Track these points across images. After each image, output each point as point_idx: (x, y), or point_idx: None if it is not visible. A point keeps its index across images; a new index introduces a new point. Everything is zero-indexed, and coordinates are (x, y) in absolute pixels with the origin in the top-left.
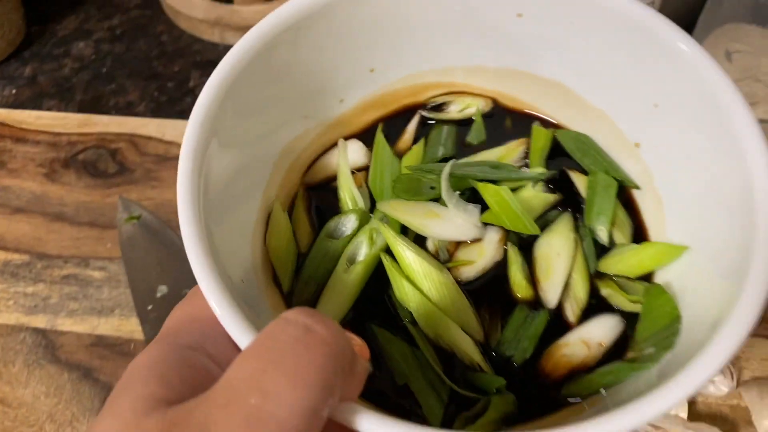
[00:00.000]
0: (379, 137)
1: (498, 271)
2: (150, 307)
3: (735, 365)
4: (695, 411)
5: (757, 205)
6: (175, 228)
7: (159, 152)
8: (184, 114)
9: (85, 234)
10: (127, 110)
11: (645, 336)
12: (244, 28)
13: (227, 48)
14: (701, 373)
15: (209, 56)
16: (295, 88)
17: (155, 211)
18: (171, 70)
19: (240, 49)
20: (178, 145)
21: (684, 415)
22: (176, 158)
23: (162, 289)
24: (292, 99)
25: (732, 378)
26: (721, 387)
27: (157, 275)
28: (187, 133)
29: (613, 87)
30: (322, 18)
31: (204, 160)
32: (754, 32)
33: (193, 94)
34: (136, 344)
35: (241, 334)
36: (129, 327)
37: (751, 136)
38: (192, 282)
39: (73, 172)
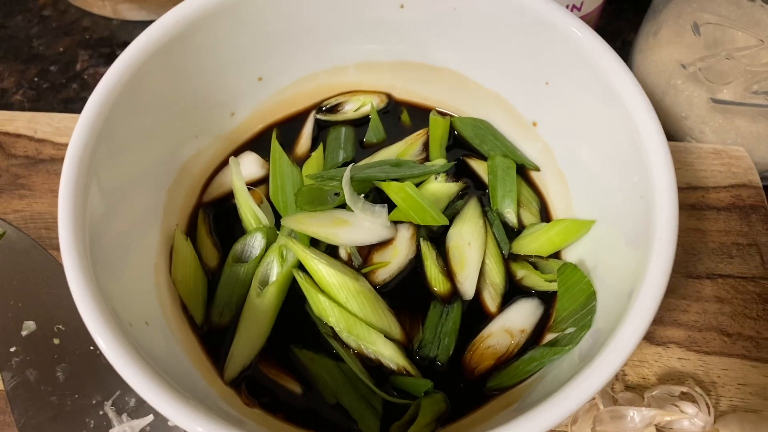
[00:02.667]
0: (275, 146)
1: (413, 269)
2: (13, 349)
3: (711, 395)
4: None
5: (652, 170)
6: (48, 247)
7: (29, 153)
8: (69, 104)
9: None
10: (0, 100)
11: (564, 315)
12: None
13: (123, 24)
14: (618, 353)
15: (101, 33)
16: (181, 109)
17: (23, 227)
18: (54, 51)
19: (108, 83)
20: (54, 144)
21: None
22: (51, 161)
23: (29, 326)
24: (180, 120)
25: (708, 411)
26: (697, 422)
27: (23, 308)
28: (63, 181)
29: (505, 69)
30: (195, 34)
31: (86, 206)
32: (726, 2)
33: (81, 78)
34: None
35: (130, 374)
36: None
37: (639, 105)
38: (68, 316)
39: None
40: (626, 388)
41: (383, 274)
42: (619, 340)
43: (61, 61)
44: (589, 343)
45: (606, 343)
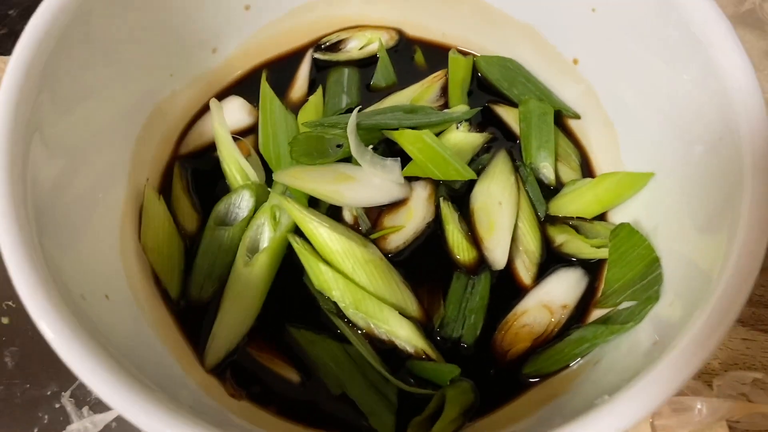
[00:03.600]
0: (265, 88)
1: (432, 234)
2: None
3: None
4: None
5: (737, 113)
6: None
7: None
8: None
9: None
10: None
11: (617, 287)
12: None
13: None
14: (708, 338)
15: None
16: (150, 44)
17: None
18: None
19: (44, 15)
20: None
21: None
22: None
23: None
24: (148, 59)
25: None
26: None
27: None
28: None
29: None
30: None
31: (26, 166)
32: None
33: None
34: None
35: (79, 363)
36: None
37: (715, 29)
38: (14, 291)
39: None
40: None
41: (396, 241)
42: (707, 322)
43: (20, 5)
44: (654, 322)
45: (689, 326)
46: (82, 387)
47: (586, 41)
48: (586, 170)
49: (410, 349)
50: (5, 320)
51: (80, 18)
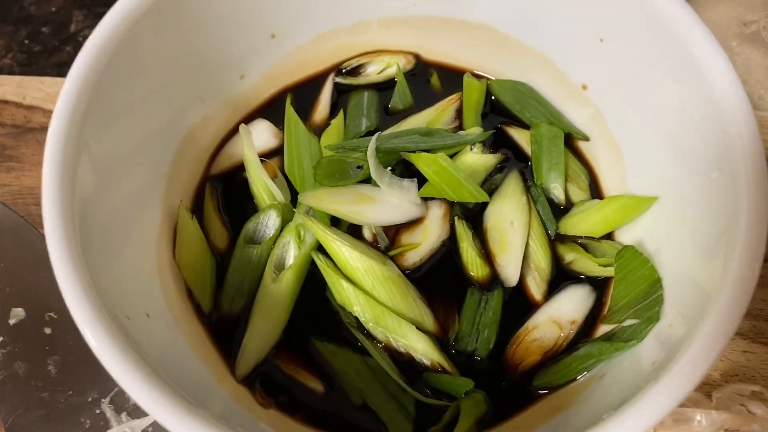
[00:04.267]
0: (290, 112)
1: (446, 252)
2: (0, 339)
3: None
4: None
5: (734, 142)
6: (39, 225)
7: (17, 122)
8: (63, 68)
9: None
10: None
11: (621, 305)
12: None
13: None
14: (707, 354)
15: None
16: (184, 71)
17: (10, 203)
18: (46, 11)
19: (97, 41)
20: (45, 112)
21: None
22: (41, 129)
23: (17, 314)
24: (182, 83)
25: None
26: None
27: (11, 293)
28: (49, 152)
29: (552, 24)
30: None
31: (75, 181)
32: None
33: (76, 41)
34: None
35: (119, 371)
36: None
37: (715, 62)
38: (61, 303)
39: None
40: None
41: (413, 258)
42: (706, 339)
43: (53, 22)
44: (655, 339)
45: (688, 343)
46: (120, 394)
47: (594, 68)
48: (595, 190)
49: (427, 362)
50: (48, 330)
51: (128, 43)
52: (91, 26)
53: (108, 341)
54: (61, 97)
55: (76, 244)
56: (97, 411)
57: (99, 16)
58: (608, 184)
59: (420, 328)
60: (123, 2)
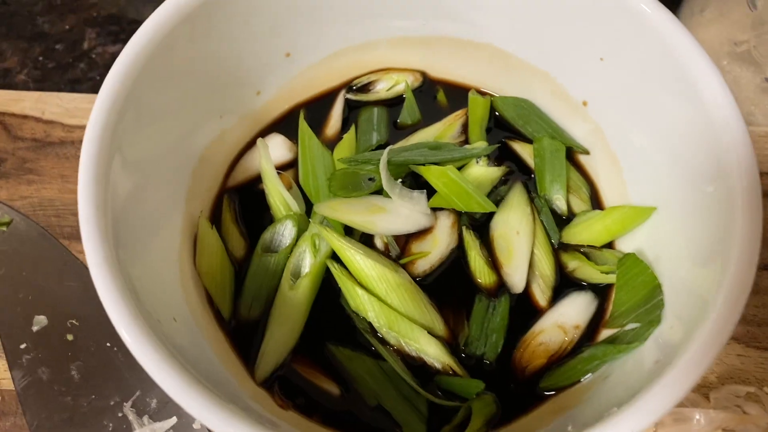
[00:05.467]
0: (303, 127)
1: (455, 260)
2: (24, 346)
3: None
4: None
5: (728, 157)
6: (59, 236)
7: (37, 136)
8: (76, 84)
9: None
10: (3, 80)
11: (623, 310)
12: None
13: (131, 1)
14: (705, 354)
15: (109, 10)
16: (206, 85)
17: (31, 215)
18: (60, 28)
19: (134, 48)
20: (63, 126)
21: None
22: (60, 143)
23: (40, 321)
24: (204, 98)
25: None
26: None
27: (33, 302)
28: (84, 155)
29: (554, 43)
30: (222, 4)
31: (108, 184)
32: None
33: (89, 57)
34: (5, 395)
35: (168, 380)
36: None
37: (710, 81)
38: (82, 310)
39: None
40: None
41: (423, 266)
42: (703, 342)
43: (67, 40)
44: (657, 342)
45: (687, 345)
46: (142, 397)
47: (594, 86)
48: (595, 201)
49: (438, 365)
50: (70, 337)
51: (163, 51)
52: (104, 44)
53: (143, 339)
54: (99, 99)
55: (111, 245)
56: (120, 414)
57: (111, 34)
58: (608, 195)
59: (431, 333)
60: (160, 11)
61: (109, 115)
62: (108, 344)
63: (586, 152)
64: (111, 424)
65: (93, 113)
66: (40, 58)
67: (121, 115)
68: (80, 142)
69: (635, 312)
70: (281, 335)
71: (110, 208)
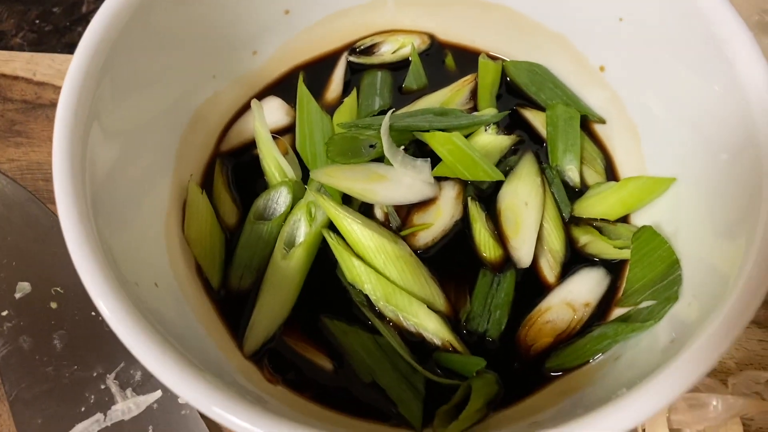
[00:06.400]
0: (302, 90)
1: (459, 232)
2: (5, 313)
3: None
4: None
5: (759, 127)
6: (47, 201)
7: (27, 97)
8: (73, 48)
9: None
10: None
11: (637, 287)
12: None
13: None
14: (725, 335)
15: None
16: (196, 46)
17: (18, 178)
18: None
19: (107, 13)
20: (55, 88)
21: None
22: (51, 106)
23: (23, 287)
24: (194, 59)
25: None
26: None
27: (17, 268)
28: (58, 122)
29: (571, 5)
30: None
31: (85, 151)
32: None
33: (87, 21)
34: None
35: (132, 340)
36: None
37: (741, 43)
38: (68, 278)
39: None
40: None
41: (424, 238)
42: (723, 323)
43: (65, 3)
44: (673, 320)
45: (705, 325)
46: (125, 370)
47: (612, 49)
48: (610, 173)
49: (437, 342)
50: (54, 305)
51: (142, 13)
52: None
53: (119, 308)
54: (74, 62)
55: (86, 211)
56: (102, 386)
57: None
58: (624, 167)
59: (431, 308)
60: None
61: (85, 79)
62: (93, 313)
63: (602, 121)
64: (93, 396)
65: (67, 77)
66: (37, 21)
67: (99, 79)
68: None
69: (651, 289)
70: (272, 306)
71: (88, 172)
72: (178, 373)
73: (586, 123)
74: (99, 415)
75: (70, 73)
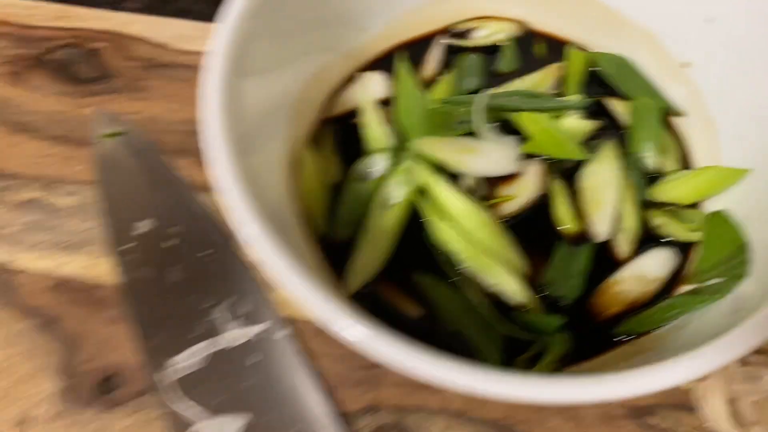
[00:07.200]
0: (402, 66)
1: (541, 206)
2: (126, 246)
3: None
4: None
5: None
6: (165, 151)
7: (148, 56)
8: (183, 14)
9: (54, 151)
10: (113, 4)
11: (707, 266)
12: None
13: None
14: None
15: None
16: (319, 16)
17: (141, 128)
18: None
19: None
20: (172, 50)
21: None
22: (169, 66)
23: (144, 225)
24: (316, 28)
25: None
26: None
27: (139, 207)
28: (214, 65)
29: (661, 1)
30: None
31: (236, 80)
32: None
33: None
34: (107, 290)
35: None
36: (99, 269)
37: None
38: (181, 219)
39: (43, 74)
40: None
41: (508, 208)
42: None
43: None
44: (736, 299)
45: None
46: (237, 302)
47: (699, 48)
48: (686, 162)
49: (518, 301)
50: (171, 243)
51: None
52: None
53: (263, 232)
54: (229, 16)
55: (236, 152)
56: (215, 316)
57: None
58: (699, 158)
59: (512, 271)
60: None
61: (238, 31)
62: (207, 252)
63: (682, 114)
64: (204, 327)
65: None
66: None
67: (246, 33)
68: (186, 66)
69: (719, 268)
70: (372, 254)
71: (234, 115)
72: (321, 297)
73: (666, 115)
74: (210, 341)
75: (226, 27)
